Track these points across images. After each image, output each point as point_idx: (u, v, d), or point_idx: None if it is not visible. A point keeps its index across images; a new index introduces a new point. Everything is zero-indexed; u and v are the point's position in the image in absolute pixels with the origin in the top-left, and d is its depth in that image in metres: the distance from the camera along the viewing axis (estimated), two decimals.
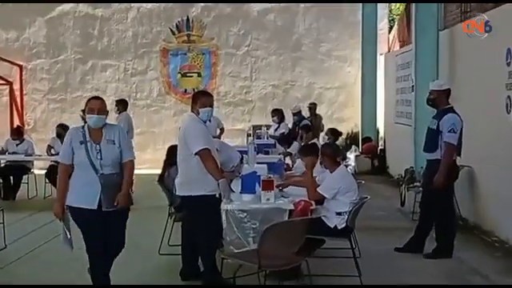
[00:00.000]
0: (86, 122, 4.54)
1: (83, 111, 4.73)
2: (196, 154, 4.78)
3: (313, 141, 8.29)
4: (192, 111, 5.02)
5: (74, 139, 4.44)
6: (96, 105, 4.48)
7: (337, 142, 8.34)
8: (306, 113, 12.13)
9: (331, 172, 5.31)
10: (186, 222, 5.29)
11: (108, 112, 4.56)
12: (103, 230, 4.42)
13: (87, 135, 4.46)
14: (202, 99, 4.98)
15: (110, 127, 4.55)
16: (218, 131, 11.09)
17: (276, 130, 10.69)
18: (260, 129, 11.36)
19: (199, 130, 4.86)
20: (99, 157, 4.39)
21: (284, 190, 5.72)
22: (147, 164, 12.77)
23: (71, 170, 4.45)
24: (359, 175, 12.12)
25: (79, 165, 4.42)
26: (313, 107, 12.54)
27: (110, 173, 4.40)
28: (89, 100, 4.54)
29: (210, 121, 11.69)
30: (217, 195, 4.90)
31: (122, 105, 10.27)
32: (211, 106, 4.99)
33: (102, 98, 4.56)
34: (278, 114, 10.82)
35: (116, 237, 4.53)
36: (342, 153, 5.52)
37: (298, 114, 11.09)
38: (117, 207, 4.39)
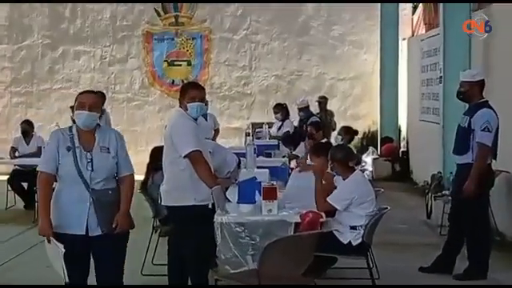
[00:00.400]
0: (75, 123, 4.27)
1: (72, 108, 4.38)
2: (185, 156, 4.79)
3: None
4: (180, 106, 5.03)
5: (61, 143, 4.13)
6: (88, 99, 4.20)
7: (351, 143, 8.33)
8: (314, 108, 12.15)
9: (344, 179, 5.32)
10: (174, 236, 5.29)
11: (103, 111, 4.35)
12: (91, 261, 4.18)
13: (76, 139, 4.15)
14: (190, 92, 4.99)
15: (104, 131, 4.28)
16: (213, 132, 11.08)
17: (279, 128, 10.70)
18: (261, 127, 11.36)
19: (189, 128, 4.87)
20: (90, 168, 4.10)
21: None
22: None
23: (53, 180, 4.17)
24: (377, 182, 12.10)
25: (64, 177, 4.13)
26: (323, 102, 12.55)
27: (103, 188, 4.14)
28: (79, 94, 4.30)
29: (206, 119, 11.73)
30: (210, 205, 4.91)
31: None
32: (202, 100, 5.00)
33: (96, 92, 4.40)
34: (282, 109, 10.83)
35: (110, 269, 4.21)
36: (356, 156, 5.51)
37: (304, 110, 11.10)
38: (116, 230, 4.12)
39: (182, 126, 4.89)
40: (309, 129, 8.91)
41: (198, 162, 4.78)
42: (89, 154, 4.13)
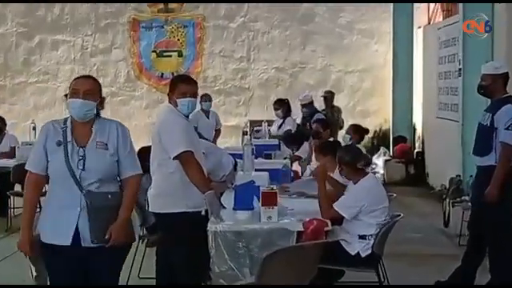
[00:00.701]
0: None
1: (66, 97, 4.13)
2: (175, 158, 4.79)
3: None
4: (170, 102, 5.04)
5: (51, 138, 3.93)
6: (83, 85, 3.96)
7: (361, 143, 8.33)
8: (319, 104, 12.16)
9: (354, 183, 5.32)
10: (162, 247, 5.29)
11: (103, 99, 4.07)
12: (81, 277, 3.91)
13: (69, 133, 3.95)
14: (180, 87, 5.00)
15: (103, 123, 4.04)
16: (213, 132, 11.09)
17: (280, 126, 10.69)
18: (260, 125, 11.36)
19: (179, 126, 4.87)
20: (81, 166, 3.87)
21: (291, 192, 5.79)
22: None
23: (44, 182, 3.99)
24: (389, 186, 12.07)
25: (54, 176, 3.93)
26: (329, 97, 12.55)
27: (101, 191, 3.91)
28: (74, 79, 4.05)
29: (207, 117, 11.58)
30: (202, 212, 4.91)
31: None
32: (194, 95, 5.00)
33: (93, 78, 4.10)
34: (283, 105, 10.82)
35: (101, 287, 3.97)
36: (366, 157, 5.50)
37: (308, 106, 11.10)
38: (109, 243, 3.86)
39: (171, 123, 4.90)
40: (314, 126, 8.91)
41: (189, 164, 4.78)
42: (81, 149, 3.91)
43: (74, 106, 3.95)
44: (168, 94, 5.09)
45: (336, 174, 5.70)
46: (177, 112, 4.94)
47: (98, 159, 3.93)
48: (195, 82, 5.16)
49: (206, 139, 10.03)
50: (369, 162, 5.50)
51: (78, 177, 3.87)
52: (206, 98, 11.42)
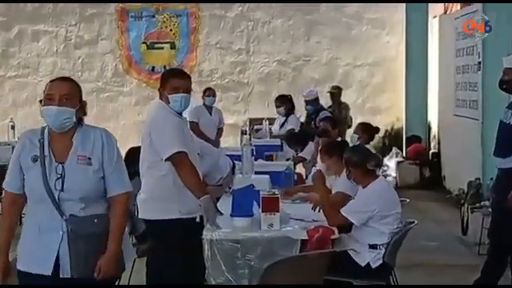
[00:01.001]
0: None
1: (41, 103, 3.87)
2: (167, 159, 4.79)
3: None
4: (161, 98, 5.04)
5: (26, 152, 3.71)
6: (59, 89, 3.69)
7: (371, 143, 8.33)
8: (325, 101, 12.15)
9: (363, 187, 5.32)
10: (153, 257, 5.29)
11: (84, 104, 3.83)
12: None
13: (46, 146, 3.70)
14: (172, 81, 5.00)
15: (86, 132, 3.76)
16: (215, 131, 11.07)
17: (282, 125, 10.69)
18: (260, 124, 11.37)
19: (172, 124, 4.88)
20: (59, 186, 3.63)
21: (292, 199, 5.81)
22: None
23: (23, 201, 3.79)
24: (402, 190, 12.08)
25: (31, 196, 3.72)
26: (336, 93, 12.55)
27: (83, 215, 3.66)
28: (49, 82, 3.79)
29: (210, 113, 11.58)
30: (197, 219, 4.91)
31: None
32: (187, 90, 5.01)
33: (71, 80, 3.83)
34: (286, 102, 10.82)
35: None
36: (376, 157, 5.50)
37: (313, 103, 11.09)
38: (98, 278, 3.66)
39: (163, 121, 4.90)
40: (322, 125, 8.90)
41: (182, 166, 4.78)
42: (60, 166, 3.64)
43: (49, 114, 3.67)
44: (159, 90, 5.10)
45: (343, 178, 5.69)
46: (169, 109, 4.95)
47: (80, 177, 3.67)
48: (188, 76, 5.16)
49: (208, 138, 10.07)
50: (380, 163, 5.49)
51: (56, 198, 3.62)
52: (210, 92, 11.41)
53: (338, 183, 5.84)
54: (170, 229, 4.86)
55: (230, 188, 6.32)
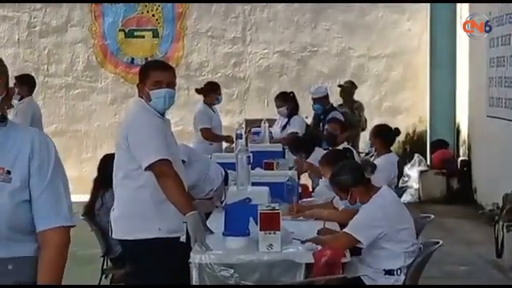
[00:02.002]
0: None
1: None
2: (148, 168, 4.79)
3: (343, 145, 8.31)
4: (140, 96, 5.04)
5: None
6: None
7: (392, 149, 8.32)
8: (336, 99, 12.16)
9: (363, 203, 5.35)
10: (129, 282, 5.29)
11: (12, 93, 3.41)
12: None
13: None
14: (153, 74, 4.99)
15: (10, 134, 3.09)
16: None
17: (284, 127, 10.70)
18: (258, 126, 11.36)
19: (153, 126, 4.87)
20: None
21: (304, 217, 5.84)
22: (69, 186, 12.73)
23: None
24: (426, 205, 12.12)
25: None
26: (348, 89, 12.54)
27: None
28: None
29: (213, 110, 11.48)
30: (182, 239, 4.91)
31: (23, 85, 10.27)
32: (170, 85, 5.00)
33: None
34: (288, 101, 10.82)
35: None
36: (365, 161, 5.55)
37: (322, 101, 11.09)
38: None
39: (142, 122, 4.89)
40: (330, 128, 8.91)
41: (166, 177, 4.78)
42: None
43: None
44: (138, 86, 5.09)
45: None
46: (149, 109, 4.95)
47: None
48: (172, 69, 5.18)
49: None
50: (374, 165, 5.52)
51: None
52: (218, 88, 11.40)
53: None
54: (148, 251, 4.85)
55: (221, 202, 6.33)
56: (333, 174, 5.56)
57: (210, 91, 10.81)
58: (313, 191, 7.77)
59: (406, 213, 5.36)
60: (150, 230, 4.84)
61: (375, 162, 7.14)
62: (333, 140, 8.58)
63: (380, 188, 5.41)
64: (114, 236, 5.06)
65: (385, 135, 8.15)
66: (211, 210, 6.61)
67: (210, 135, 10.27)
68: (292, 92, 11.09)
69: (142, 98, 5.02)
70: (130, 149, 4.86)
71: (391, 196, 5.46)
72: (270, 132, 10.67)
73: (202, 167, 6.95)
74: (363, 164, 5.50)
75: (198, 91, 10.88)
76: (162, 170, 4.79)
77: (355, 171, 5.40)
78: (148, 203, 4.83)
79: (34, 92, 10.81)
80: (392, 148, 8.36)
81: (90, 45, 14.19)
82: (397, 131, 8.33)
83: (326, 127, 9.35)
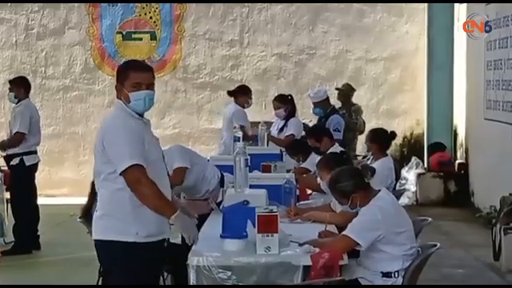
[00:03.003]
0: None
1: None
2: (122, 173, 4.68)
3: (333, 148, 8.33)
4: (119, 97, 4.91)
5: None
6: None
7: (388, 152, 8.32)
8: (334, 102, 12.14)
9: (361, 206, 5.34)
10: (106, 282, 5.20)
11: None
12: None
13: None
14: (132, 75, 4.84)
15: None
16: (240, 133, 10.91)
17: (281, 129, 10.69)
18: (256, 128, 11.35)
19: (127, 130, 4.74)
20: None
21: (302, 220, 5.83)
22: (65, 188, 12.77)
23: None
24: (424, 208, 12.11)
25: None
26: (345, 91, 12.52)
27: None
28: None
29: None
30: (168, 240, 4.88)
31: (20, 87, 10.24)
32: (150, 86, 4.87)
33: None
34: (286, 103, 10.81)
35: None
36: (364, 166, 5.54)
37: (322, 105, 11.03)
38: None
39: (117, 126, 4.77)
40: (310, 142, 8.94)
41: (138, 184, 4.65)
42: None
43: None
44: (116, 87, 4.93)
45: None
46: (127, 111, 4.81)
47: None
48: (151, 69, 4.98)
49: None
50: (372, 169, 5.52)
51: None
52: (249, 91, 11.36)
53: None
54: (124, 253, 4.73)
55: (217, 203, 6.35)
56: (332, 180, 5.52)
57: (242, 94, 10.92)
58: (310, 194, 7.76)
59: (404, 215, 5.35)
60: (127, 234, 4.71)
61: (372, 165, 7.18)
62: (317, 151, 8.59)
63: (379, 191, 5.40)
64: (93, 236, 4.90)
65: (381, 139, 8.14)
66: (206, 211, 6.63)
67: (248, 136, 10.25)
68: (290, 95, 11.08)
69: (120, 99, 4.87)
70: (106, 153, 4.75)
71: (390, 199, 5.45)
72: (270, 133, 10.65)
73: (199, 169, 6.96)
74: (362, 169, 5.49)
75: (230, 93, 11.01)
76: (133, 176, 4.65)
77: (355, 177, 5.38)
78: (126, 206, 4.70)
79: (31, 94, 10.79)
80: (389, 151, 8.35)
81: (87, 47, 14.18)
82: (392, 134, 8.32)
83: (368, 133, 9.29)
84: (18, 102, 9.78)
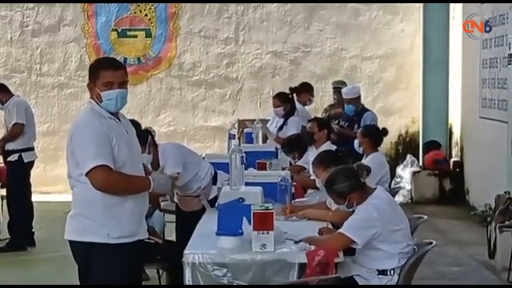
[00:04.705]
0: None
1: None
2: (86, 174, 4.63)
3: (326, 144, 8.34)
4: (92, 98, 4.83)
5: None
6: None
7: (379, 149, 8.33)
8: (329, 99, 12.13)
9: (357, 205, 5.34)
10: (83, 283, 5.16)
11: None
12: None
13: None
14: (103, 74, 4.77)
15: None
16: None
17: (281, 128, 10.65)
18: (251, 125, 11.34)
19: (92, 131, 4.66)
20: None
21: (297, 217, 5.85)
22: (60, 185, 12.74)
23: None
24: (419, 206, 12.12)
25: None
26: (341, 89, 12.49)
27: None
28: None
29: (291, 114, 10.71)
30: (144, 238, 4.87)
31: (2, 91, 10.05)
32: (122, 84, 4.79)
33: None
34: (287, 101, 10.73)
35: None
36: (360, 166, 5.53)
37: (354, 102, 10.78)
38: None
39: (82, 129, 4.71)
40: (309, 126, 8.92)
41: (102, 186, 4.60)
42: None
43: None
44: (88, 86, 4.85)
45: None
46: (97, 111, 4.74)
47: None
48: (123, 67, 4.91)
49: None
50: (368, 168, 5.51)
51: None
52: (311, 88, 11.30)
53: None
54: (96, 254, 4.70)
55: (208, 200, 6.39)
56: (328, 182, 5.51)
57: (304, 90, 10.90)
58: (305, 192, 7.76)
59: (400, 213, 5.36)
60: (99, 234, 4.67)
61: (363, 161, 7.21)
62: (310, 138, 8.59)
63: (375, 189, 5.41)
64: (65, 236, 4.82)
65: (373, 135, 8.22)
66: (197, 208, 6.66)
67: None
68: (291, 93, 11.04)
69: (93, 98, 4.80)
70: (74, 154, 4.70)
71: (386, 197, 5.45)
72: (267, 129, 10.61)
73: (192, 167, 6.96)
74: (358, 168, 5.48)
75: (292, 90, 10.94)
76: (97, 179, 4.59)
77: (351, 177, 5.35)
78: (98, 207, 4.65)
79: (26, 91, 10.81)
80: (385, 149, 8.40)
81: (82, 44, 14.16)
82: (384, 131, 8.37)
83: (359, 129, 9.22)
84: (4, 103, 9.65)
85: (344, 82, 12.60)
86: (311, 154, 8.83)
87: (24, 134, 9.44)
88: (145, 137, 6.43)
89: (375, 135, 8.25)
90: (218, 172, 7.13)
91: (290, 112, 10.64)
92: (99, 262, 4.70)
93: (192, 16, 14.12)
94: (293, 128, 10.36)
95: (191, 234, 5.56)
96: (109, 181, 4.61)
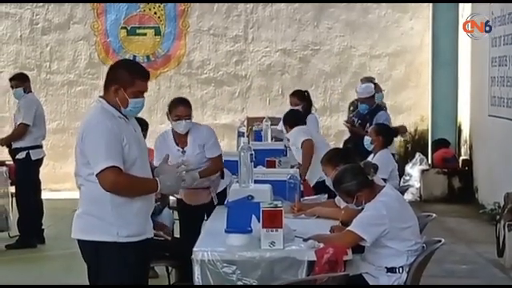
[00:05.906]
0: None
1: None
2: (97, 175, 4.63)
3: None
4: (108, 97, 4.77)
5: None
6: None
7: (389, 148, 8.34)
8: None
9: (366, 202, 5.33)
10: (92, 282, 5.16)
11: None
12: None
13: None
14: (138, 83, 4.76)
15: None
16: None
17: None
18: (260, 123, 11.34)
19: (104, 131, 4.65)
20: None
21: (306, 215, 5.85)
22: (69, 182, 12.73)
23: None
24: (428, 204, 12.11)
25: None
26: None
27: None
28: None
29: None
30: (151, 236, 4.86)
31: (26, 81, 10.19)
32: (142, 93, 4.79)
33: None
34: (304, 99, 10.68)
35: None
36: (366, 163, 5.53)
37: (368, 101, 10.76)
38: None
39: (93, 129, 4.69)
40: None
41: (111, 188, 4.61)
42: None
43: None
44: (111, 86, 4.76)
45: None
46: (108, 111, 4.73)
47: None
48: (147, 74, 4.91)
49: None
50: (375, 166, 5.50)
51: None
52: None
53: None
54: (106, 253, 4.70)
55: (216, 193, 6.43)
56: (336, 181, 5.50)
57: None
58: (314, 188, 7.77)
59: (409, 211, 5.35)
60: (108, 233, 4.67)
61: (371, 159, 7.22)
62: (294, 112, 8.69)
63: (384, 187, 5.41)
64: (73, 235, 4.81)
65: (386, 135, 8.25)
66: (206, 201, 6.70)
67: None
68: (307, 91, 11.01)
69: (103, 98, 4.77)
70: (84, 154, 4.69)
71: (395, 194, 5.45)
72: (274, 128, 10.60)
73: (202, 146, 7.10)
74: (365, 166, 5.47)
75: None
76: (107, 180, 4.60)
77: (358, 176, 5.34)
78: (107, 206, 4.65)
79: (36, 88, 10.82)
80: (394, 147, 8.42)
81: (92, 42, 14.19)
82: (396, 132, 8.43)
83: (371, 127, 9.21)
84: (15, 88, 9.71)
85: (373, 78, 12.51)
86: (299, 130, 8.89)
87: (30, 133, 9.48)
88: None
89: (388, 134, 8.29)
90: (227, 172, 7.16)
91: (307, 111, 10.61)
92: (108, 260, 4.70)
93: (201, 14, 14.13)
94: (313, 125, 10.31)
95: (195, 228, 5.58)
96: (118, 183, 4.61)
